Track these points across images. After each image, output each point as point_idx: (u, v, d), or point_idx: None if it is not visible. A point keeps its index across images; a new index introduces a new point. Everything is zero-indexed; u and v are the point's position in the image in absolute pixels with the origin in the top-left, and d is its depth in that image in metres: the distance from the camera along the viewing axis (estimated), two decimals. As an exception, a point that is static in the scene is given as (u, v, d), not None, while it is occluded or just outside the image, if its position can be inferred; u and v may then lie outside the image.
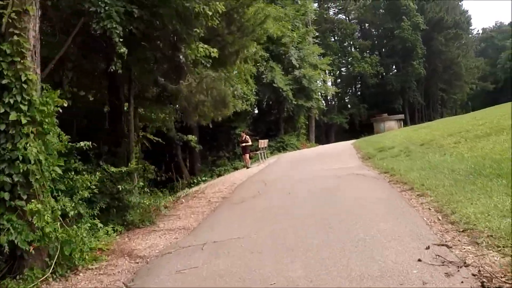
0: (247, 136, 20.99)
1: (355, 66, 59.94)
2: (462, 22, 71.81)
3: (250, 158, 21.69)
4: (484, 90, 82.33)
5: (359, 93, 70.88)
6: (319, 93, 32.84)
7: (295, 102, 30.20)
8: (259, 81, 30.24)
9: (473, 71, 72.46)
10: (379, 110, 65.78)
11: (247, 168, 20.35)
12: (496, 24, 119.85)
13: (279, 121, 31.98)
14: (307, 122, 35.70)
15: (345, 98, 71.85)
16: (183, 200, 12.86)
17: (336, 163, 16.83)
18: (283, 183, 13.21)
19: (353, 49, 65.59)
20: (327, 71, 36.79)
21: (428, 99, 71.85)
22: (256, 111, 33.76)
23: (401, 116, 31.83)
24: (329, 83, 61.93)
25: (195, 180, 24.16)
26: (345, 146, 24.49)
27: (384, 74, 65.21)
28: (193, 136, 23.60)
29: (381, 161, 14.83)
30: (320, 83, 32.43)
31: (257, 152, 22.60)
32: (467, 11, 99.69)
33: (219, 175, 23.91)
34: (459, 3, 75.69)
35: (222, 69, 13.81)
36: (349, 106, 68.57)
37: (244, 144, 20.65)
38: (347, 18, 69.98)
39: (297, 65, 30.94)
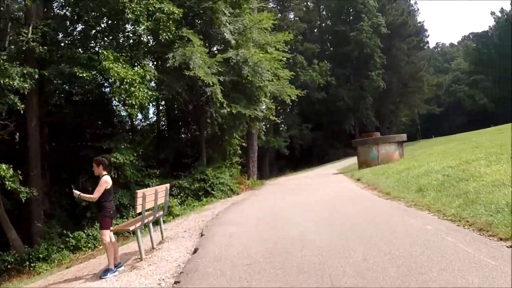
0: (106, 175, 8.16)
1: (300, 75, 48.64)
2: (421, 31, 63.69)
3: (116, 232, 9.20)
4: (429, 114, 75.73)
5: (298, 111, 60.16)
6: (269, 95, 20.01)
7: (228, 109, 16.57)
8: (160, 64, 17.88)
9: (433, 89, 64.16)
10: (326, 132, 55.37)
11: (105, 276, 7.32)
12: (437, 45, 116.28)
13: (200, 142, 19.42)
14: (244, 144, 23.31)
15: (282, 116, 60.74)
16: None
17: None
18: None
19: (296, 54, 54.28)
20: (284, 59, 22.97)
21: (379, 120, 62.58)
22: (154, 120, 21.05)
23: (403, 136, 19.92)
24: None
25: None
26: (360, 196, 12.51)
27: (333, 87, 54.83)
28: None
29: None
30: (270, 75, 19.00)
31: (136, 226, 8.08)
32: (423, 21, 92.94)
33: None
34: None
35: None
36: (284, 126, 57.56)
37: (102, 200, 8.01)
38: (292, 17, 59.07)
39: (233, 42, 17.94)
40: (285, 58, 22.43)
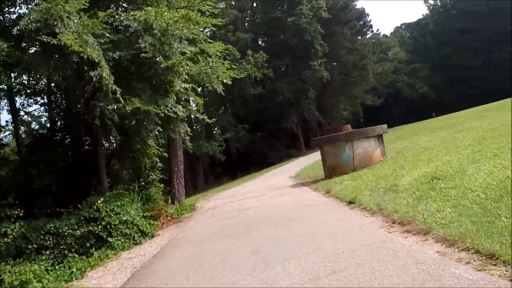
0: None
1: (233, 68, 42.81)
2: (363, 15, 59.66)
3: None
4: (367, 105, 72.55)
5: (232, 111, 54.49)
6: (188, 80, 13.14)
7: (122, 102, 9.97)
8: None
9: (381, 78, 60.26)
10: (265, 132, 50.12)
11: None
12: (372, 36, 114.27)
13: (98, 157, 12.98)
14: (165, 155, 16.93)
15: (215, 118, 55.00)
16: None
17: None
18: None
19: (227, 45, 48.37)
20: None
21: (322, 115, 58.14)
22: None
23: (383, 128, 14.51)
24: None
25: None
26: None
27: (271, 81, 49.48)
28: None
29: None
30: (188, 47, 12.23)
31: None
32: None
33: None
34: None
35: None
36: (218, 129, 51.88)
37: None
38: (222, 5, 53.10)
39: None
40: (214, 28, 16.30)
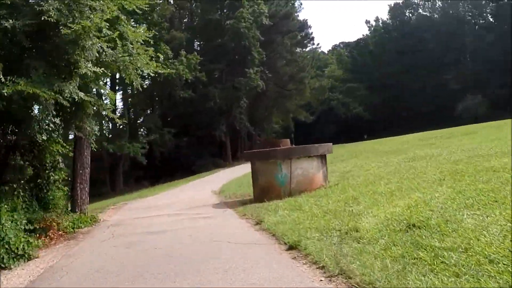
0: None
1: (163, 67, 39.95)
2: (305, 27, 58.63)
3: None
4: (298, 121, 71.82)
5: (160, 112, 51.65)
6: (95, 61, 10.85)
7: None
8: None
9: (317, 93, 59.32)
10: (192, 138, 47.75)
11: None
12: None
13: None
14: (72, 154, 14.07)
15: (140, 118, 52.09)
16: None
17: None
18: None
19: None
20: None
21: (252, 126, 56.41)
22: None
23: (329, 147, 12.67)
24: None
25: None
26: None
27: (203, 85, 47.07)
28: None
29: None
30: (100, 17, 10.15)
31: None
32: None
33: None
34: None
35: None
36: (143, 130, 49.09)
37: None
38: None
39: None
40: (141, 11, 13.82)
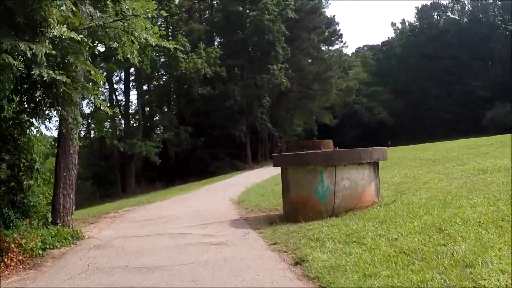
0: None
1: (178, 62, 36.87)
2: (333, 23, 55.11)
3: None
4: (320, 124, 68.48)
5: (176, 110, 48.71)
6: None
7: None
8: None
9: (343, 95, 55.78)
10: (209, 138, 44.72)
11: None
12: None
13: None
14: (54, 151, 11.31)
15: (156, 116, 49.24)
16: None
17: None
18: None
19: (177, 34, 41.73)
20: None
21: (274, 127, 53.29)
22: None
23: (383, 151, 9.33)
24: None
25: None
26: None
27: (222, 81, 43.98)
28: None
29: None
30: None
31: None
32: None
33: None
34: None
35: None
36: (160, 128, 46.20)
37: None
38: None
39: None
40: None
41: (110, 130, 39.33)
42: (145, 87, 47.06)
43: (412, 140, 66.81)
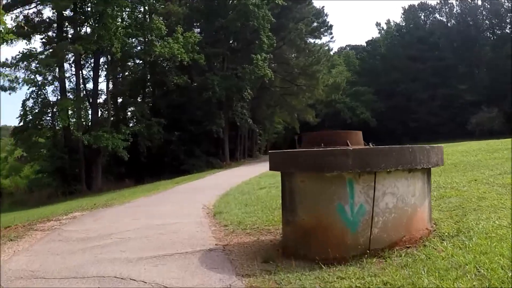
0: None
1: (152, 46, 32.82)
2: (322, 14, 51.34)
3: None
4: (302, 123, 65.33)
5: (151, 101, 44.68)
6: None
7: None
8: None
9: (330, 91, 51.99)
10: (184, 133, 40.95)
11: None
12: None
13: None
14: None
15: (129, 108, 45.25)
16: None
17: None
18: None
19: (152, 16, 37.22)
20: None
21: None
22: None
23: (438, 153, 5.78)
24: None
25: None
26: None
27: (200, 71, 40.15)
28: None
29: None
30: None
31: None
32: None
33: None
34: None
35: None
36: (133, 121, 42.33)
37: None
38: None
39: None
40: None
41: (75, 120, 35.12)
42: (118, 76, 43.16)
43: (394, 143, 64.13)
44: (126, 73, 43.70)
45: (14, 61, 32.16)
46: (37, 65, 32.54)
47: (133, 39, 34.74)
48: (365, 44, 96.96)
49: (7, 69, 31.81)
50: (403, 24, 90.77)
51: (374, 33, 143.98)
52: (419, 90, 77.17)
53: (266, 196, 12.82)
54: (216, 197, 14.45)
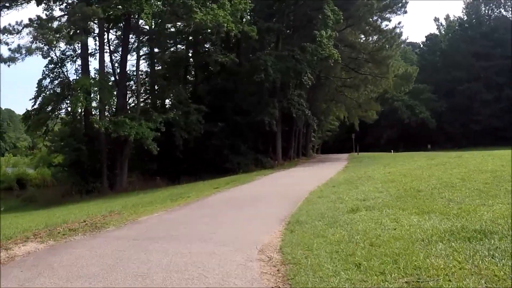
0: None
1: (192, 12, 24.93)
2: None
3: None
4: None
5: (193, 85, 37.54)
6: None
7: None
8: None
9: (401, 82, 43.36)
10: (229, 124, 33.44)
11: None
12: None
13: None
14: None
15: (165, 92, 37.74)
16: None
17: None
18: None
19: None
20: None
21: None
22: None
23: None
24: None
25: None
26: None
27: (251, 48, 32.75)
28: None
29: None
30: None
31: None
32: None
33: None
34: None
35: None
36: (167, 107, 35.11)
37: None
38: None
39: None
40: None
41: (95, 103, 27.97)
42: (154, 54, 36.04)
43: (454, 147, 56.42)
44: (160, 52, 36.21)
45: (20, 27, 24.98)
46: (46, 32, 24.86)
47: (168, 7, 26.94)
48: (421, 41, 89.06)
49: (9, 35, 24.72)
50: (465, 19, 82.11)
51: (431, 29, 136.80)
52: (482, 90, 70.62)
53: (384, 234, 5.42)
54: (278, 224, 7.15)
